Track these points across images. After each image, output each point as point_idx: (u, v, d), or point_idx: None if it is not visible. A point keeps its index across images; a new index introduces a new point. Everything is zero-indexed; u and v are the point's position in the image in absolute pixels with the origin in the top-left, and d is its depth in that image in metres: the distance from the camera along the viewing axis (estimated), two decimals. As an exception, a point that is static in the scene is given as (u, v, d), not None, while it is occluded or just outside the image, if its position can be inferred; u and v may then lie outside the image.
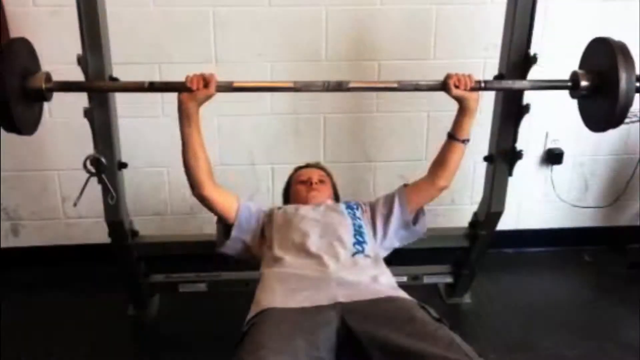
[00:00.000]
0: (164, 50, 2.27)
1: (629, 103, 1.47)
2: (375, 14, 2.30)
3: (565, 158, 2.54)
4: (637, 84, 1.48)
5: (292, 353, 1.21)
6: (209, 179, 1.63)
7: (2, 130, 1.80)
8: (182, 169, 1.64)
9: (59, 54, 2.17)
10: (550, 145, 2.55)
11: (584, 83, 1.58)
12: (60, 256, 2.53)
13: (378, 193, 2.58)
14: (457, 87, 1.58)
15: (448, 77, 1.60)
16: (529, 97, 1.81)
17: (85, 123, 1.71)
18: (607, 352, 2.05)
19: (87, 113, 1.70)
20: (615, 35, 1.50)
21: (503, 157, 1.90)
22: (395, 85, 1.63)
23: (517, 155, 1.86)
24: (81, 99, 1.70)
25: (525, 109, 1.79)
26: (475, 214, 2.12)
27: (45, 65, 2.18)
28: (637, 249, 2.70)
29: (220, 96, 2.31)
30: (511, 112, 1.83)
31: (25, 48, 1.50)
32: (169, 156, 2.40)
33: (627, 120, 1.53)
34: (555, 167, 2.58)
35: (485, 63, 2.35)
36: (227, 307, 1.93)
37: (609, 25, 2.37)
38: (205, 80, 1.54)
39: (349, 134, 2.48)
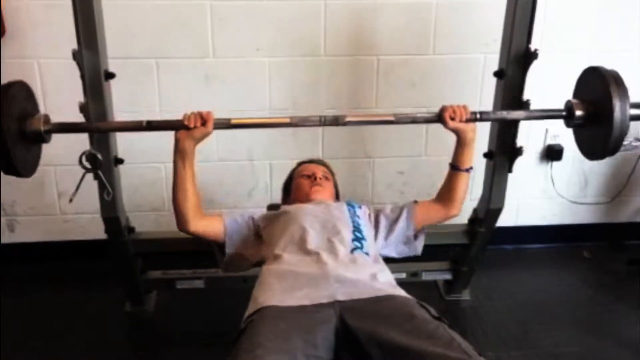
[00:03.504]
0: (160, 45, 2.25)
1: (624, 132, 1.50)
2: (374, 9, 2.29)
3: (565, 154, 2.53)
4: (632, 112, 1.49)
5: (289, 352, 1.20)
6: (195, 215, 1.63)
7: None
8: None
9: (54, 48, 2.19)
10: (550, 142, 2.54)
11: (578, 112, 1.60)
12: (56, 252, 2.52)
13: (377, 189, 2.60)
14: (452, 119, 1.59)
15: (443, 109, 1.61)
16: (529, 93, 1.79)
17: (81, 118, 1.69)
18: (606, 348, 2.05)
19: (83, 108, 1.68)
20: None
21: (503, 153, 1.89)
22: (391, 118, 1.66)
23: (517, 151, 1.85)
24: (77, 94, 1.68)
25: (526, 104, 1.78)
26: (475, 211, 2.11)
27: (40, 61, 2.21)
28: (636, 245, 2.70)
29: (220, 91, 2.33)
30: (511, 108, 1.81)
31: (23, 91, 1.52)
32: (165, 152, 2.34)
33: (622, 148, 1.55)
34: (555, 164, 2.57)
35: (486, 58, 2.34)
36: (224, 304, 1.93)
37: (609, 20, 2.38)
38: (203, 119, 1.55)
39: (348, 129, 2.46)
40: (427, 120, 1.65)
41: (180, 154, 1.58)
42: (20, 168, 1.47)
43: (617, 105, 1.46)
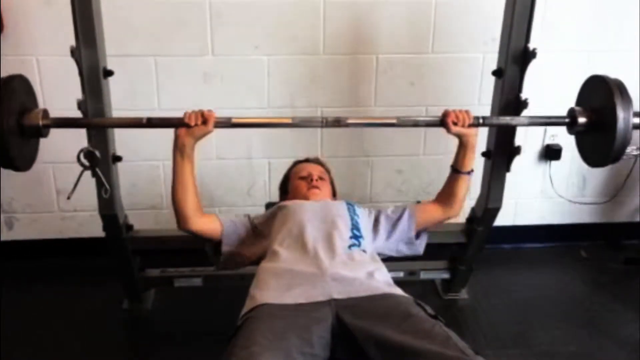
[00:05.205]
0: (159, 42, 2.25)
1: (626, 141, 1.51)
2: (373, 7, 2.28)
3: (564, 154, 2.52)
4: (634, 121, 1.51)
5: (285, 350, 1.20)
6: (195, 214, 1.62)
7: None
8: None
9: (52, 45, 2.18)
10: (548, 141, 2.54)
11: (581, 120, 1.61)
12: (54, 250, 2.51)
13: (375, 188, 2.60)
14: (455, 124, 1.60)
15: (446, 114, 1.62)
16: (527, 92, 1.79)
17: (79, 115, 1.69)
18: (603, 347, 2.05)
19: (81, 105, 1.68)
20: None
21: (501, 152, 1.89)
22: (394, 121, 1.66)
23: (516, 150, 1.85)
24: (75, 91, 1.68)
25: (524, 104, 1.78)
26: (473, 210, 2.11)
27: (39, 57, 2.20)
28: (633, 244, 2.71)
29: (218, 89, 2.33)
30: (510, 107, 1.81)
31: (23, 85, 1.53)
32: (164, 150, 2.35)
33: (624, 156, 1.56)
34: (554, 163, 2.57)
35: (484, 57, 2.34)
36: (222, 302, 1.92)
37: (608, 19, 2.38)
38: (204, 117, 1.55)
39: (347, 128, 2.46)
40: (430, 124, 1.66)
41: (179, 151, 1.58)
42: (17, 162, 1.48)
43: (620, 114, 1.48)
